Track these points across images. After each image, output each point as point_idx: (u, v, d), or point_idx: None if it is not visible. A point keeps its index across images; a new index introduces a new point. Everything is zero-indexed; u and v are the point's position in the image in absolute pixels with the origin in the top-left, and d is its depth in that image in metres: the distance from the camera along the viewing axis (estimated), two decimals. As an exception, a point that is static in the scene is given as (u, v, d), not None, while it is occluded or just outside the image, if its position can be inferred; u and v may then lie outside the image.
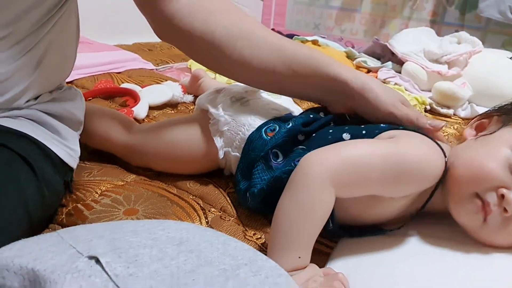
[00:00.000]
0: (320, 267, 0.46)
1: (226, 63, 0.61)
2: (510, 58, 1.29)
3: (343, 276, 0.43)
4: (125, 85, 0.95)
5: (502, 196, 0.46)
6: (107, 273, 0.36)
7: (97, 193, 0.60)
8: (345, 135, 0.55)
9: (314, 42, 1.32)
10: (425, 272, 0.45)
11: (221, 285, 0.37)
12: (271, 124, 0.60)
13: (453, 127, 1.07)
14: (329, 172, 0.46)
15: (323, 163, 0.47)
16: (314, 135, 0.58)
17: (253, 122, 0.61)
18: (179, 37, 0.61)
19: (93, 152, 0.69)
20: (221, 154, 0.63)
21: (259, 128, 0.60)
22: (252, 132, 0.60)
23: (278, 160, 0.57)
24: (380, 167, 0.47)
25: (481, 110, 1.17)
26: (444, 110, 1.17)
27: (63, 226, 0.54)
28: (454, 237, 0.50)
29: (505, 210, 0.45)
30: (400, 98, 0.59)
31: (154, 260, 0.39)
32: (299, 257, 0.45)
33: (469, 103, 1.21)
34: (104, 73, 1.07)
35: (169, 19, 0.58)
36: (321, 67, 0.59)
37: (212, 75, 1.05)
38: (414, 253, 0.48)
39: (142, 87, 0.94)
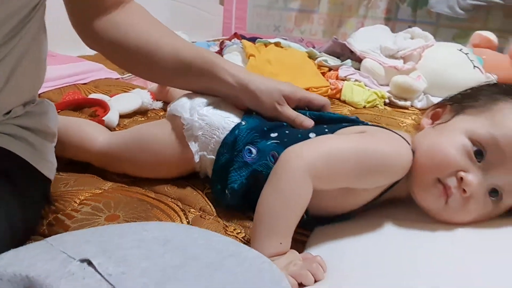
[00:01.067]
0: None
1: (141, 68, 0.71)
2: (460, 50, 1.37)
3: (321, 258, 0.47)
4: (93, 95, 0.95)
5: (461, 179, 0.50)
6: (100, 274, 0.38)
7: (76, 202, 0.61)
8: (311, 135, 0.60)
9: (277, 44, 1.36)
10: (395, 250, 0.49)
11: (209, 277, 0.40)
12: (241, 122, 0.64)
13: (411, 117, 1.13)
14: (308, 164, 0.50)
15: (302, 156, 0.50)
16: (287, 132, 0.62)
17: (226, 125, 0.64)
18: (104, 48, 0.69)
19: (68, 163, 0.69)
20: (196, 158, 0.65)
21: (233, 130, 0.63)
22: (226, 135, 0.63)
23: (252, 155, 0.60)
24: (355, 159, 0.51)
25: (436, 100, 1.23)
26: (402, 102, 1.24)
27: (45, 236, 0.55)
28: (418, 218, 0.54)
29: (464, 191, 0.50)
30: (284, 93, 0.66)
31: (143, 259, 0.40)
32: (281, 243, 0.48)
33: (424, 95, 1.28)
34: (70, 85, 1.07)
35: (96, 34, 0.65)
36: (213, 72, 0.66)
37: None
38: (383, 234, 0.52)
39: (110, 96, 0.95)
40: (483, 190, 0.51)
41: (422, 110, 1.22)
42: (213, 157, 0.64)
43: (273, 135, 0.62)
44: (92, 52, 1.45)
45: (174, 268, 0.41)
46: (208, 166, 0.65)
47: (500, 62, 1.43)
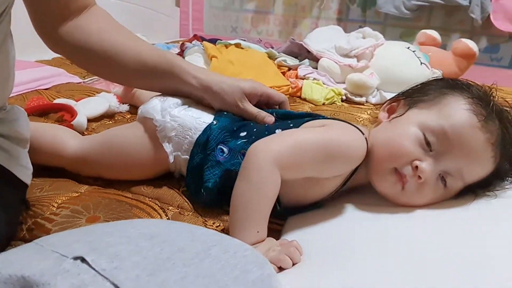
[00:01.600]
0: (275, 241, 0.54)
1: (105, 71, 0.73)
2: (408, 48, 1.46)
3: (297, 243, 0.51)
4: (58, 100, 0.94)
5: (416, 167, 0.55)
6: (94, 269, 0.40)
7: (53, 206, 0.61)
8: (277, 131, 0.64)
9: (237, 45, 1.39)
10: (362, 231, 0.54)
11: (197, 265, 0.42)
12: (213, 122, 0.67)
13: (367, 112, 1.20)
14: (273, 156, 0.54)
15: (268, 149, 0.55)
16: (255, 129, 0.66)
17: (198, 125, 0.66)
18: (68, 51, 0.71)
19: (40, 168, 0.69)
20: (171, 159, 0.67)
21: (205, 130, 0.65)
22: (199, 135, 0.65)
23: (224, 155, 0.63)
24: (315, 149, 0.56)
25: (388, 95, 1.31)
26: (357, 99, 1.30)
27: (26, 241, 0.55)
28: (379, 202, 0.60)
29: (419, 177, 0.55)
30: (245, 90, 0.70)
31: (133, 254, 0.43)
32: (258, 232, 0.52)
33: (377, 91, 1.35)
34: (32, 91, 1.05)
35: (59, 38, 0.67)
36: (177, 75, 0.70)
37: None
38: (351, 218, 0.57)
39: (76, 101, 0.94)
40: (434, 176, 0.56)
41: (377, 105, 1.30)
42: (187, 157, 0.66)
43: (242, 134, 0.66)
44: (50, 57, 1.43)
45: (164, 260, 0.43)
46: (183, 165, 0.68)
47: (444, 58, 1.53)
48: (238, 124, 0.68)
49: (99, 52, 0.68)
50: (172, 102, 0.70)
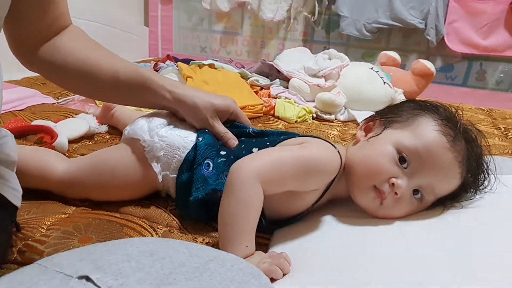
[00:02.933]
0: (263, 255, 0.57)
1: (82, 88, 0.75)
2: (371, 68, 1.55)
3: (286, 254, 0.55)
4: (37, 122, 0.94)
5: (393, 184, 0.60)
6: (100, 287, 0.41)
7: (43, 228, 0.62)
8: (254, 149, 0.68)
9: (211, 66, 1.43)
10: (344, 240, 0.58)
11: (199, 279, 0.45)
12: (199, 138, 0.70)
13: (336, 129, 1.26)
14: (255, 172, 0.57)
15: (250, 165, 0.58)
16: (233, 149, 0.70)
17: (186, 144, 0.69)
18: (44, 70, 0.71)
19: (26, 191, 0.69)
20: (160, 178, 0.69)
21: (193, 147, 0.68)
22: (188, 152, 0.68)
23: (210, 169, 0.66)
24: (293, 164, 0.59)
25: (355, 113, 1.39)
26: (327, 116, 1.37)
27: (19, 264, 0.56)
28: (357, 214, 0.64)
29: (396, 193, 0.60)
30: (216, 108, 0.73)
31: (136, 270, 0.45)
32: (247, 246, 0.55)
33: (345, 109, 1.43)
34: (6, 112, 1.03)
35: (36, 57, 0.68)
36: (152, 89, 0.72)
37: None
38: (333, 229, 0.61)
39: (55, 122, 0.94)
40: (409, 191, 0.61)
41: (345, 122, 1.37)
42: (175, 175, 0.68)
43: (222, 152, 0.69)
44: (19, 77, 1.42)
45: (166, 275, 0.45)
46: (171, 184, 0.70)
47: (404, 77, 1.63)
48: (219, 142, 0.71)
49: (75, 69, 0.69)
50: (159, 122, 0.72)
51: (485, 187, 0.66)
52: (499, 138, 1.21)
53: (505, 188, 0.66)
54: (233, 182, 0.57)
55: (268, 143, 0.68)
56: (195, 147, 0.68)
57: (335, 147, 0.65)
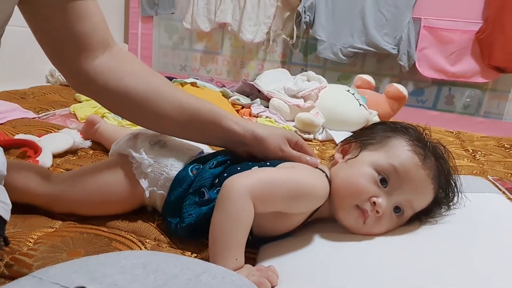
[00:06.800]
0: (251, 268, 0.59)
1: (139, 116, 0.71)
2: (348, 90, 1.61)
3: (274, 267, 0.57)
4: (20, 136, 0.93)
5: (374, 203, 0.63)
6: (96, 299, 0.42)
7: (30, 242, 0.62)
8: (254, 168, 0.68)
9: (193, 84, 1.45)
10: (328, 255, 0.61)
11: (192, 290, 0.46)
12: (195, 164, 0.71)
13: (315, 148, 1.30)
14: (247, 188, 0.58)
15: (242, 182, 0.59)
16: (225, 174, 0.70)
17: (174, 162, 0.71)
18: (96, 92, 0.68)
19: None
20: (147, 194, 0.70)
21: (186, 167, 0.70)
22: (179, 171, 0.69)
23: (204, 199, 0.66)
24: (286, 187, 0.62)
25: (333, 133, 1.44)
26: (306, 135, 1.41)
27: (6, 277, 0.56)
28: (340, 230, 0.67)
29: (377, 212, 0.63)
30: (286, 136, 0.73)
31: (130, 282, 0.46)
32: (236, 259, 0.56)
33: (323, 129, 1.47)
34: (-13, 126, 1.02)
35: (85, 77, 0.65)
36: (218, 122, 0.70)
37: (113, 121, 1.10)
38: (318, 245, 0.64)
39: (39, 137, 0.94)
40: (390, 209, 0.64)
41: (323, 141, 1.42)
42: (163, 192, 0.70)
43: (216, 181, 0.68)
44: (-2, 91, 1.40)
45: (161, 286, 0.46)
46: (158, 200, 0.71)
47: (378, 100, 1.69)
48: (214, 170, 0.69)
49: (135, 95, 0.66)
50: (147, 139, 0.74)
51: (454, 203, 0.70)
52: (467, 159, 1.28)
53: (475, 204, 0.70)
54: (225, 197, 0.58)
55: (268, 164, 0.69)
56: (189, 167, 0.69)
57: (326, 174, 0.67)
